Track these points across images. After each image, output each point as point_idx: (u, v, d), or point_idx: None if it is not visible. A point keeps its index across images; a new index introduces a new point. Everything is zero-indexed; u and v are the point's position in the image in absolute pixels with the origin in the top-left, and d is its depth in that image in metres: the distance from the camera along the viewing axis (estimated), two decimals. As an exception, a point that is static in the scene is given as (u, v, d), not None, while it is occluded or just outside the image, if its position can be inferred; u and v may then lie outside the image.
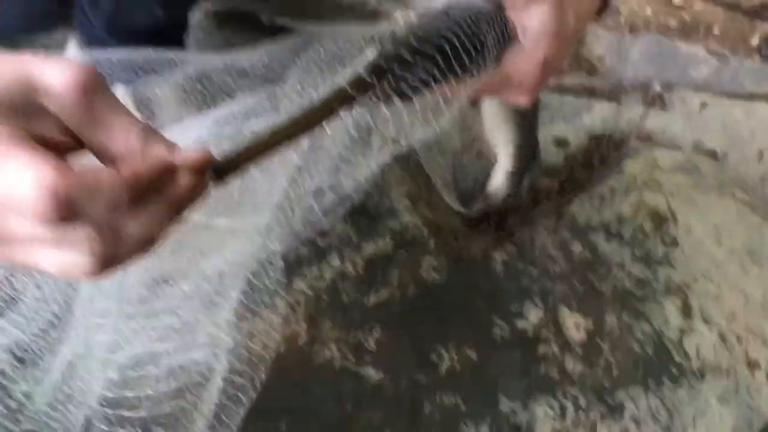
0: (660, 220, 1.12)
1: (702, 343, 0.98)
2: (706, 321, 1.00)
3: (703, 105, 1.39)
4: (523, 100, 0.71)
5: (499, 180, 1.02)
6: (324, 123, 0.50)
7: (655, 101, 1.41)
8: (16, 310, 0.72)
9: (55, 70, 0.37)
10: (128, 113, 0.39)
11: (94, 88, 0.37)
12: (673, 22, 1.67)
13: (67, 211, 0.34)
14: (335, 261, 0.98)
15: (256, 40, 1.28)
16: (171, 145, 0.40)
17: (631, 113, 1.35)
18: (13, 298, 0.76)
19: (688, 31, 1.64)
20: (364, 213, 1.04)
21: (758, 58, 1.61)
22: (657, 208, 1.13)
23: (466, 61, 0.61)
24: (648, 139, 1.30)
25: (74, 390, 0.75)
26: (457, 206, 1.07)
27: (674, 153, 1.25)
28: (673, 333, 0.98)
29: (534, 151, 1.02)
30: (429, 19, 0.60)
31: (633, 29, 1.61)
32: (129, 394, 0.72)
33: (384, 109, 0.55)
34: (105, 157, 0.39)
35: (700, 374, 0.94)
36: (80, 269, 0.37)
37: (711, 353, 0.97)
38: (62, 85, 0.36)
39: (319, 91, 0.82)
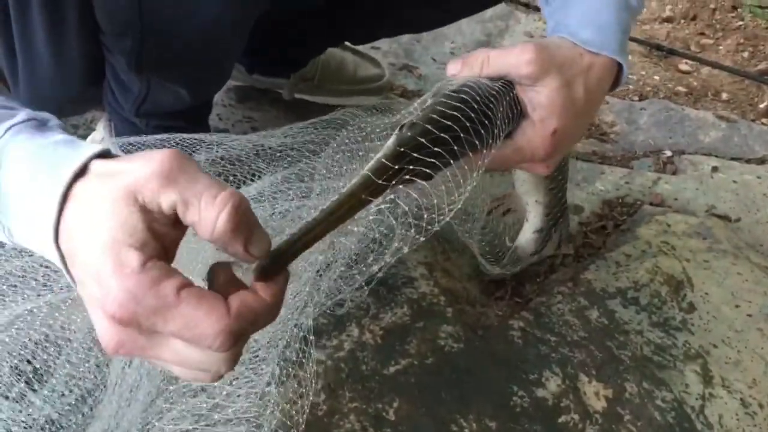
0: (676, 285, 1.12)
1: (724, 411, 0.97)
2: (726, 388, 0.99)
3: (714, 169, 1.41)
4: (540, 170, 0.74)
5: (527, 236, 1.05)
6: (354, 214, 0.53)
7: (666, 166, 1.43)
8: (47, 386, 0.73)
9: (141, 173, 0.44)
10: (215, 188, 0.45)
11: (174, 169, 0.45)
12: (681, 88, 1.71)
13: (234, 342, 0.44)
14: (354, 331, 0.99)
15: (275, 115, 1.33)
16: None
17: (642, 179, 1.37)
18: (44, 373, 0.78)
19: (696, 96, 1.68)
20: (381, 282, 1.05)
21: (767, 121, 1.63)
22: (673, 273, 1.14)
23: (481, 140, 0.64)
24: (661, 203, 1.32)
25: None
26: (486, 264, 1.08)
27: (687, 217, 1.26)
28: (694, 401, 0.97)
29: (563, 209, 1.05)
30: (444, 103, 0.63)
31: (642, 96, 1.65)
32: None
33: (408, 190, 0.59)
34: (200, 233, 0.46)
35: (724, 443, 0.93)
36: (211, 375, 0.46)
37: (733, 421, 0.96)
38: (148, 178, 0.44)
39: (345, 172, 0.86)
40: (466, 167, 0.64)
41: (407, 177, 0.57)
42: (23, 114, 0.50)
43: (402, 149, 0.57)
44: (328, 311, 0.98)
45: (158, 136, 0.98)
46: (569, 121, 0.70)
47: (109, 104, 0.98)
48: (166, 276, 0.43)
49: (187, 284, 0.44)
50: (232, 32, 0.87)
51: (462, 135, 0.62)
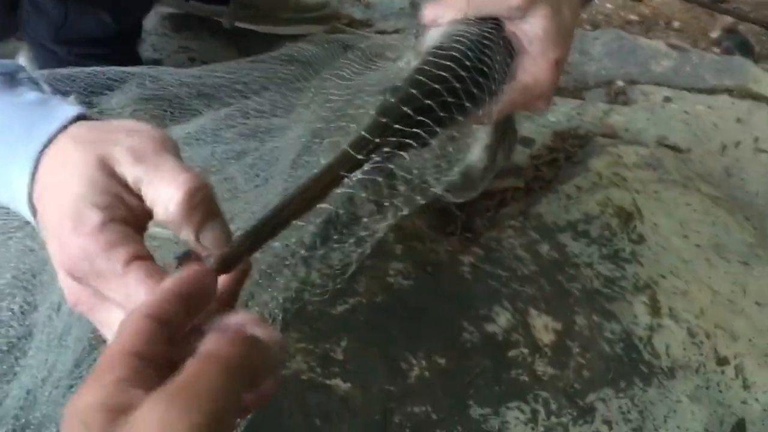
0: (626, 217, 1.11)
1: (671, 340, 0.97)
2: (674, 318, 1.00)
3: (666, 100, 1.39)
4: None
5: (477, 153, 1.01)
6: (330, 191, 0.47)
7: (618, 97, 1.41)
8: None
9: (119, 144, 0.45)
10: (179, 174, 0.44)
11: (151, 151, 0.45)
12: (633, 17, 1.68)
13: None
14: (300, 271, 0.96)
15: (215, 45, 1.26)
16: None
17: (594, 109, 1.35)
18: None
19: (648, 25, 1.65)
20: (327, 219, 1.02)
21: (719, 50, 1.62)
22: (623, 205, 1.13)
23: (478, 99, 0.58)
24: (612, 135, 1.30)
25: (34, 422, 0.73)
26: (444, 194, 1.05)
27: (638, 148, 1.25)
28: (643, 331, 0.98)
29: (509, 118, 0.99)
30: (431, 61, 0.56)
31: (595, 25, 1.61)
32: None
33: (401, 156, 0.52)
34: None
35: (671, 372, 0.94)
36: None
37: (680, 351, 0.97)
38: (124, 155, 0.44)
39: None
40: (471, 123, 0.59)
41: (392, 150, 0.51)
42: None
43: (385, 120, 0.51)
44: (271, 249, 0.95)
45: (87, 70, 0.91)
46: (566, 47, 0.66)
47: (27, 33, 0.91)
48: (122, 242, 0.42)
49: (140, 256, 0.42)
50: None
51: (454, 99, 0.55)
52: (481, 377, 0.90)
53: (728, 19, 1.67)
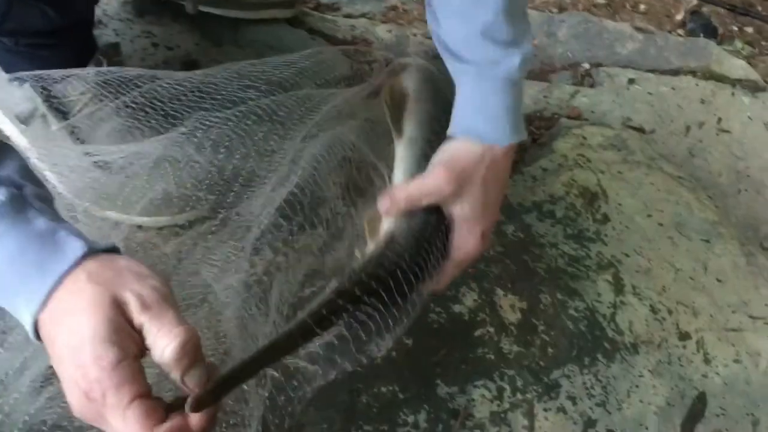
0: (591, 197, 1.13)
1: (634, 317, 0.99)
2: (637, 295, 1.01)
3: (631, 81, 1.40)
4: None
5: None
6: (287, 354, 0.59)
7: (584, 79, 1.42)
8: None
9: (130, 290, 0.54)
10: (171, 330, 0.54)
11: (154, 303, 0.54)
12: (600, 0, 1.69)
13: None
14: (267, 254, 0.95)
15: (178, 30, 1.24)
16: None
17: (560, 92, 1.36)
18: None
19: (614, 8, 1.66)
20: (297, 202, 1.01)
21: (683, 32, 1.64)
22: (588, 185, 1.14)
23: (419, 285, 0.70)
24: (578, 117, 1.31)
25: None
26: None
27: (603, 130, 1.26)
28: (606, 309, 0.99)
29: None
30: (383, 254, 0.69)
31: (561, 8, 1.62)
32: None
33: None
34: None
35: (633, 348, 0.96)
36: None
37: (643, 327, 0.98)
38: (133, 302, 0.53)
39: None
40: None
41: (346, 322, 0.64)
42: (1, 193, 0.54)
43: (340, 302, 0.63)
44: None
45: (63, 72, 0.91)
46: (493, 217, 0.76)
47: None
48: (131, 381, 0.52)
49: (143, 394, 0.52)
50: None
51: (398, 287, 0.67)
52: (448, 357, 0.91)
53: (692, 2, 1.69)
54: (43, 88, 0.93)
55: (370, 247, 0.74)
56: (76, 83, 0.92)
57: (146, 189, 0.92)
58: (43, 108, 0.95)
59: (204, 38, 1.24)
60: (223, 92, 0.98)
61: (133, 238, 0.94)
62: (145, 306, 0.54)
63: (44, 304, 0.53)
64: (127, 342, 0.53)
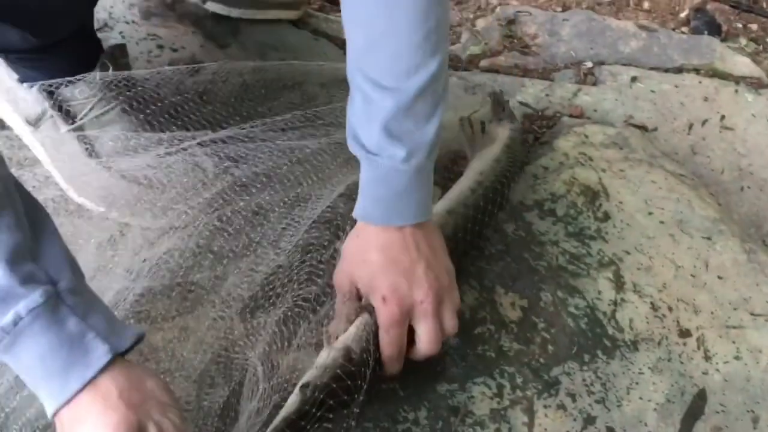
0: (592, 195, 1.13)
1: (634, 314, 0.99)
2: (637, 292, 1.02)
3: (633, 79, 1.41)
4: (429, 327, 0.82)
5: None
6: None
7: (587, 77, 1.42)
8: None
9: (156, 423, 0.62)
10: None
11: None
12: (603, -2, 1.69)
13: None
14: (268, 253, 0.97)
15: (183, 32, 1.26)
16: None
17: (563, 90, 1.36)
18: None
19: (618, 6, 1.66)
20: (300, 199, 1.02)
21: (687, 29, 1.64)
22: (589, 183, 1.15)
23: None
24: (580, 115, 1.32)
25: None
26: None
27: (605, 128, 1.26)
28: (606, 306, 1.00)
29: None
30: (337, 365, 0.77)
31: (565, 6, 1.62)
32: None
33: None
34: None
35: (633, 345, 0.96)
36: None
37: (643, 324, 0.99)
38: None
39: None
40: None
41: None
42: (39, 294, 0.58)
43: (296, 417, 0.74)
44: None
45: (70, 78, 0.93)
46: (385, 279, 0.79)
47: None
48: None
49: None
50: None
51: (349, 395, 0.77)
52: (448, 354, 0.92)
53: (697, -1, 1.69)
54: (50, 92, 0.95)
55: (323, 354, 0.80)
56: (83, 87, 0.94)
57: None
58: (51, 111, 0.97)
59: (208, 40, 1.25)
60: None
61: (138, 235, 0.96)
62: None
63: (67, 403, 0.60)
64: None
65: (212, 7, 1.28)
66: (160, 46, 1.22)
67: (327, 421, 0.74)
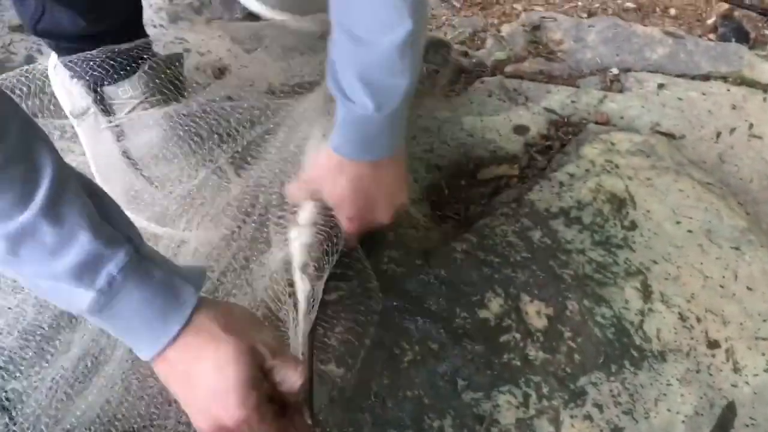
0: (619, 203, 1.12)
1: (662, 325, 0.98)
2: (665, 303, 1.01)
3: (660, 86, 1.39)
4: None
5: None
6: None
7: (613, 84, 1.41)
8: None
9: (261, 341, 0.67)
10: (295, 367, 0.70)
11: (281, 349, 0.70)
12: (629, 4, 1.68)
13: None
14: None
15: (210, 36, 1.26)
16: None
17: (588, 97, 1.35)
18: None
19: (644, 12, 1.65)
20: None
21: (714, 37, 1.62)
22: (615, 191, 1.13)
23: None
24: (606, 122, 1.31)
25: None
26: None
27: (632, 135, 1.25)
28: (633, 316, 0.99)
29: None
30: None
31: (590, 13, 1.61)
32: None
33: None
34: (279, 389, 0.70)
35: (661, 356, 0.95)
36: None
37: (671, 335, 0.97)
38: (267, 352, 0.67)
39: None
40: None
41: None
42: (124, 252, 0.61)
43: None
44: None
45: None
46: (359, 209, 0.89)
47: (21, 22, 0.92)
48: (269, 418, 0.68)
49: (275, 427, 0.69)
50: None
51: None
52: (473, 362, 0.91)
53: (724, 6, 1.67)
54: (95, 90, 0.96)
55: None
56: (127, 87, 0.95)
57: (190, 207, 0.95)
58: (94, 106, 0.98)
59: (235, 44, 1.25)
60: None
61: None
62: (273, 352, 0.67)
63: (170, 344, 0.64)
64: (261, 384, 0.67)
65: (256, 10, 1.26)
66: (187, 50, 1.22)
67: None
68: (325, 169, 0.88)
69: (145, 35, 1.02)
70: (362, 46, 0.79)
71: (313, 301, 0.85)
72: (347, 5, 0.79)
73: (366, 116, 0.82)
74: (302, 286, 0.86)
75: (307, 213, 0.91)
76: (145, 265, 0.63)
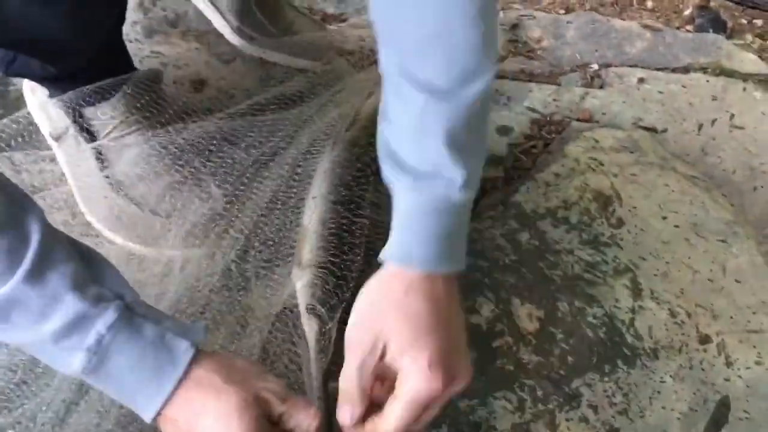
0: (605, 201, 1.12)
1: (653, 322, 0.98)
2: (655, 299, 1.01)
3: (641, 81, 1.40)
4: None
5: None
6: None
7: (593, 80, 1.41)
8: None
9: (266, 388, 0.65)
10: (308, 408, 0.66)
11: (288, 392, 0.66)
12: (606, -1, 1.68)
13: None
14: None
15: (186, 49, 1.25)
16: None
17: (570, 95, 1.35)
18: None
19: (622, 6, 1.65)
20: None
21: (692, 28, 1.62)
22: (601, 189, 1.13)
23: None
24: (589, 119, 1.31)
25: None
26: None
27: (615, 132, 1.25)
28: (624, 314, 0.99)
29: None
30: None
31: (568, 9, 1.61)
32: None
33: None
34: None
35: (654, 354, 0.95)
36: None
37: (662, 332, 0.98)
38: (274, 397, 0.65)
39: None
40: None
41: None
42: (112, 310, 0.60)
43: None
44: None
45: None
46: (435, 343, 0.65)
47: None
48: None
49: None
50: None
51: None
52: (467, 369, 0.91)
53: (700, -4, 1.68)
54: (75, 110, 0.95)
55: None
56: (106, 108, 0.94)
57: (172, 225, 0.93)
58: (73, 129, 0.97)
59: (212, 56, 1.24)
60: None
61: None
62: (282, 398, 0.65)
63: (169, 401, 0.62)
64: None
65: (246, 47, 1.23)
66: (164, 64, 1.21)
67: None
68: (381, 296, 0.67)
69: (128, 62, 1.01)
70: (446, 101, 0.65)
71: (325, 343, 0.82)
72: (421, 56, 0.65)
73: (447, 197, 0.66)
74: (309, 328, 0.83)
75: (307, 252, 0.88)
76: (136, 322, 0.62)
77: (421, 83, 0.65)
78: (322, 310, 0.84)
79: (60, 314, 0.59)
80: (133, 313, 0.62)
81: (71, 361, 0.60)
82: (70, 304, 0.59)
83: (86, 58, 0.91)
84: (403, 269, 0.67)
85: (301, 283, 0.87)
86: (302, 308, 0.86)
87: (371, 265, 0.76)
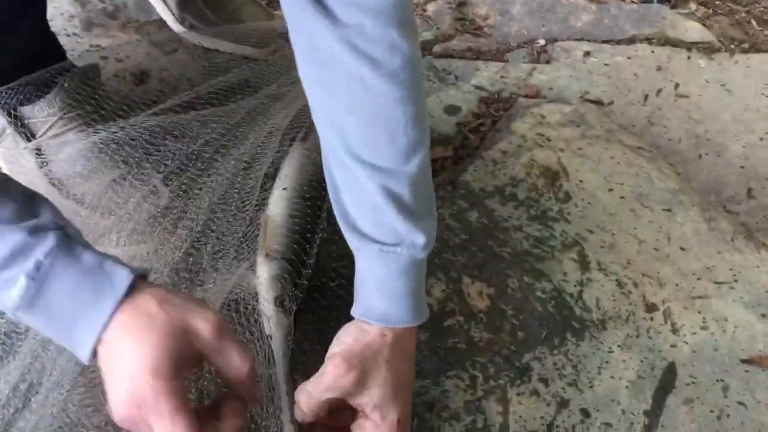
0: (552, 176, 1.13)
1: (600, 293, 1.00)
2: (603, 271, 1.02)
3: (587, 54, 1.41)
4: None
5: None
6: None
7: (540, 56, 1.42)
8: None
9: (202, 319, 0.62)
10: (243, 351, 0.64)
11: (225, 330, 0.64)
12: (552, -27, 1.68)
13: None
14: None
15: (127, 41, 1.23)
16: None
17: (517, 71, 1.36)
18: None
19: (567, -21, 1.65)
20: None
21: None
22: (548, 164, 1.15)
23: None
24: (536, 95, 1.32)
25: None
26: None
27: (561, 106, 1.26)
28: (573, 287, 1.00)
29: None
30: None
31: (514, -16, 1.61)
32: None
33: None
34: (224, 376, 0.65)
35: (601, 324, 0.97)
36: None
37: (610, 302, 0.99)
38: (207, 330, 0.62)
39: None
40: None
41: None
42: (51, 238, 0.61)
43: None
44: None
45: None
46: (406, 404, 0.75)
47: None
48: (182, 394, 0.60)
49: (187, 408, 0.60)
50: None
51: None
52: (419, 350, 0.92)
53: (645, -33, 1.69)
54: (11, 109, 0.93)
55: None
56: (42, 105, 0.92)
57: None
58: (10, 128, 0.95)
59: (154, 47, 1.22)
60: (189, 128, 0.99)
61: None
62: (220, 332, 0.63)
63: (106, 326, 0.60)
64: (187, 364, 0.62)
65: (188, 35, 1.22)
66: (104, 57, 1.19)
67: None
68: (371, 350, 0.73)
69: (60, 53, 0.99)
70: (394, 178, 0.71)
71: (289, 337, 0.82)
72: (363, 136, 0.71)
73: (412, 260, 0.73)
74: (278, 321, 0.82)
75: (274, 243, 0.88)
76: (76, 250, 0.62)
77: (368, 164, 0.71)
78: (291, 303, 0.84)
79: (1, 247, 0.59)
80: (72, 242, 0.62)
81: (10, 292, 0.59)
82: (9, 236, 0.59)
83: (16, 55, 0.89)
84: (383, 327, 0.74)
85: (267, 275, 0.86)
86: (265, 298, 0.85)
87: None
